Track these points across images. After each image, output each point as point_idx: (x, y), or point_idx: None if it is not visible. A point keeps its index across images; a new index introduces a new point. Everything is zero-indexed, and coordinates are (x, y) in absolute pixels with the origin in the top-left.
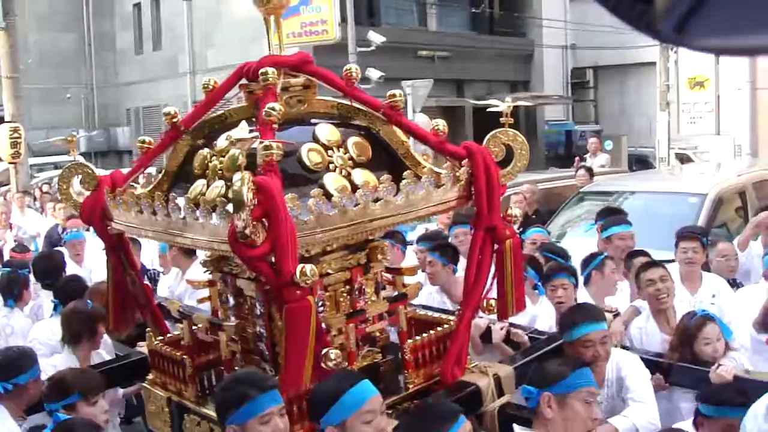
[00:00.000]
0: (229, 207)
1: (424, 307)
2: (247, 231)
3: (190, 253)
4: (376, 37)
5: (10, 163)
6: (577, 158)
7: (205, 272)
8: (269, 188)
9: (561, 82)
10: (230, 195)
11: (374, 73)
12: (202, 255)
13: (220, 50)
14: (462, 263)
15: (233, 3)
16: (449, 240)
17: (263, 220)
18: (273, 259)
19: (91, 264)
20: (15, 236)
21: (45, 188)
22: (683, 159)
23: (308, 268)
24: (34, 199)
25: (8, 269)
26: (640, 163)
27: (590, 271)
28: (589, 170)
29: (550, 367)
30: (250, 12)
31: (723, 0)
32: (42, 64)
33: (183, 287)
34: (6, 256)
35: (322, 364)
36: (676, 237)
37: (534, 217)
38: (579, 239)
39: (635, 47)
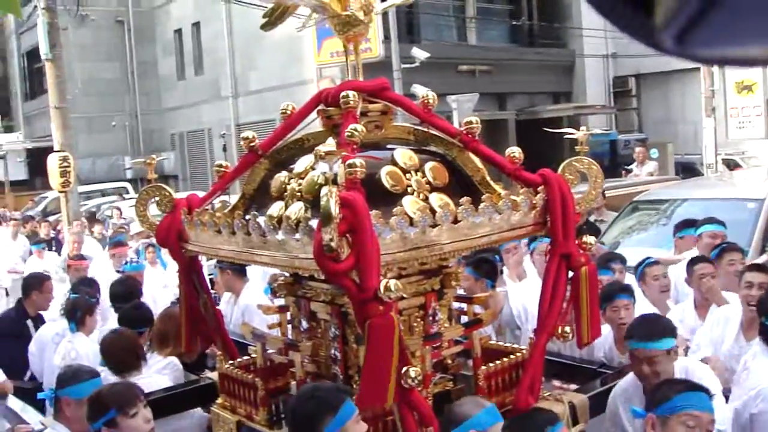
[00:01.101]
0: (313, 223)
1: None
2: (333, 244)
3: (242, 274)
4: (420, 54)
5: (60, 192)
6: (624, 171)
7: (278, 296)
8: (356, 204)
9: (603, 92)
10: (315, 210)
11: (420, 89)
12: (254, 278)
13: (262, 72)
14: (502, 277)
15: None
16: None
17: (347, 235)
18: (356, 276)
19: (152, 294)
20: None
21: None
22: (730, 165)
23: (392, 283)
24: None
25: (75, 294)
26: (687, 170)
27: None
28: (602, 193)
29: (659, 389)
30: (290, 33)
31: (725, 10)
32: (86, 93)
33: (238, 312)
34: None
35: (402, 383)
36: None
37: (585, 228)
38: (634, 249)
39: None
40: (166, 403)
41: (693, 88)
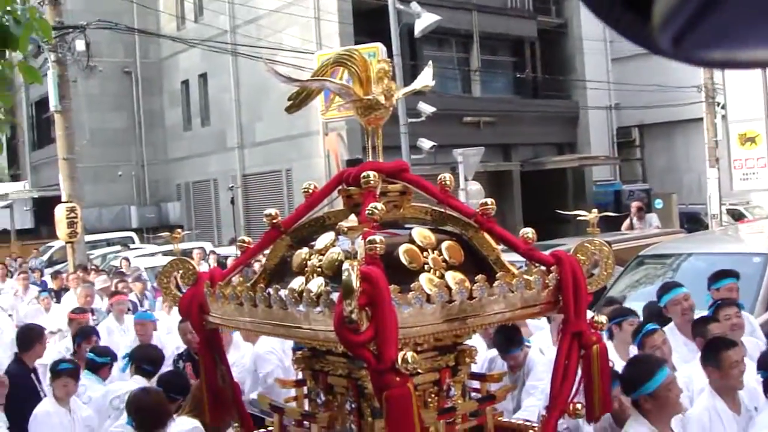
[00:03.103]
0: (333, 296)
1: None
2: (354, 316)
3: None
4: (426, 108)
5: (67, 242)
6: (626, 222)
7: (296, 369)
8: (375, 278)
9: (607, 142)
10: (335, 285)
11: (426, 143)
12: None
13: (268, 123)
14: None
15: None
16: None
17: (367, 308)
18: (374, 348)
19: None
20: None
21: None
22: (735, 215)
23: (409, 355)
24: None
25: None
26: (692, 220)
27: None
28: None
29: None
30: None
31: (721, 13)
32: (93, 143)
33: (250, 362)
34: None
35: None
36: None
37: None
38: (641, 303)
39: (680, 104)
40: None
41: (696, 138)
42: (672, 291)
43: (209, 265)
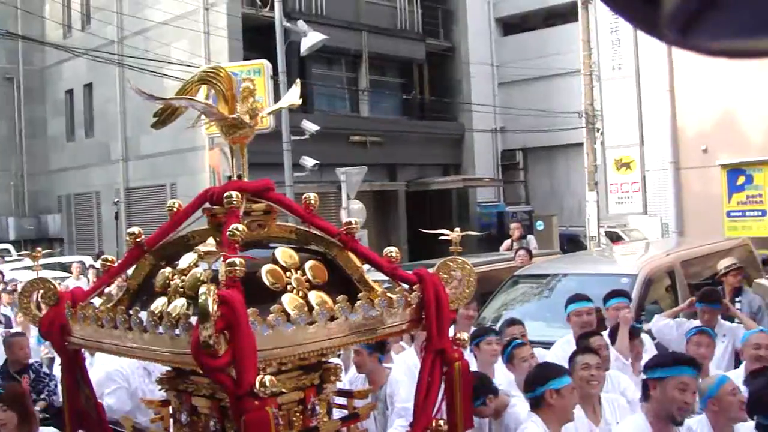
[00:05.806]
0: (192, 320)
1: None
2: (211, 341)
3: None
4: (310, 126)
5: None
6: (505, 243)
7: (159, 389)
8: (233, 301)
9: (492, 164)
10: (197, 306)
11: (308, 161)
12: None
13: (153, 137)
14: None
15: (167, 91)
16: None
17: (225, 332)
18: (233, 372)
19: None
20: None
21: None
22: (613, 237)
23: (267, 378)
24: None
25: None
26: (572, 242)
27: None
28: (529, 251)
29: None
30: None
31: (731, 3)
32: None
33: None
34: None
35: None
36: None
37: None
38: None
39: (562, 129)
40: None
41: (577, 162)
42: (577, 303)
43: (88, 279)
